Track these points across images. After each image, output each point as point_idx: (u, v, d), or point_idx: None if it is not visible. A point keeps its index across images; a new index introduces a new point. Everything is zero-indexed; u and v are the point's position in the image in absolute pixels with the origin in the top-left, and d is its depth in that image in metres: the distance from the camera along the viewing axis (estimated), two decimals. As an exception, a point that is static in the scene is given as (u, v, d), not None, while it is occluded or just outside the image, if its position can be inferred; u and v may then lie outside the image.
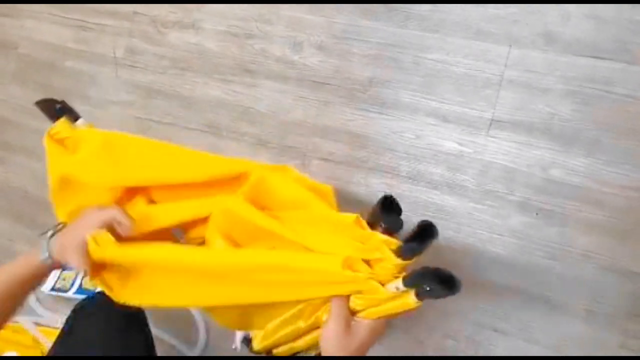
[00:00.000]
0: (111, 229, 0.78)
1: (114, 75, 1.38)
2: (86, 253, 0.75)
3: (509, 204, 1.05)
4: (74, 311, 0.96)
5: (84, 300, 1.03)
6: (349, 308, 0.69)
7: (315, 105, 1.19)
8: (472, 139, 1.08)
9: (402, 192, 1.12)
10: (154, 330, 1.01)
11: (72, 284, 1.35)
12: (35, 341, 1.34)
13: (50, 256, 0.77)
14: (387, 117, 1.14)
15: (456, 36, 1.10)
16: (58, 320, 1.35)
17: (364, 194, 1.15)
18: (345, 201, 1.15)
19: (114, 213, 0.78)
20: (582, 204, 1.00)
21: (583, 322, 0.99)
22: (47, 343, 1.32)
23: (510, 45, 1.06)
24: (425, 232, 0.62)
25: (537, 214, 1.03)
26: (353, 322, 0.70)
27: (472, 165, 1.07)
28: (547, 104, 1.03)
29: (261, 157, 1.23)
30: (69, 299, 1.33)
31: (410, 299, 0.63)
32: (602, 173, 1.00)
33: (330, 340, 0.68)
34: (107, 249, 0.75)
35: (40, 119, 1.39)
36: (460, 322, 1.07)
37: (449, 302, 1.08)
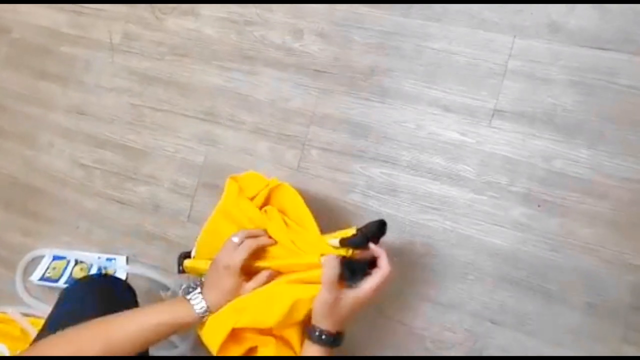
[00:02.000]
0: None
1: (110, 61, 1.36)
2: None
3: (511, 195, 1.03)
4: (62, 294, 0.94)
5: (71, 285, 1.02)
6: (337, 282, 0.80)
7: (315, 94, 1.18)
8: (474, 129, 1.07)
9: (402, 182, 1.10)
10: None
11: (62, 274, 1.33)
12: (24, 332, 1.31)
13: (208, 308, 0.81)
14: (388, 107, 1.12)
15: (459, 25, 1.08)
16: (47, 310, 1.32)
17: (364, 184, 1.13)
18: (344, 192, 1.14)
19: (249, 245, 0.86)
20: (585, 196, 0.99)
21: (584, 315, 0.98)
22: (35, 334, 1.29)
23: (514, 35, 1.05)
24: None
25: (538, 205, 1.02)
26: (341, 295, 0.80)
27: (474, 155, 1.06)
28: (550, 94, 1.02)
29: (259, 146, 1.21)
30: (58, 289, 1.30)
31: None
32: (605, 165, 0.99)
33: (320, 308, 0.80)
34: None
35: (33, 105, 1.37)
36: (458, 314, 1.06)
37: (447, 294, 1.06)
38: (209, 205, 1.25)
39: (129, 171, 1.33)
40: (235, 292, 0.83)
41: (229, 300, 0.83)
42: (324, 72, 1.17)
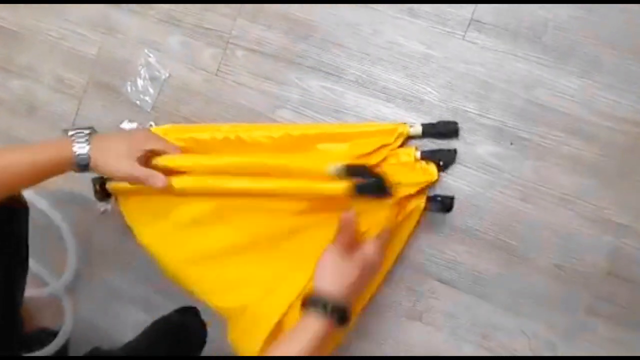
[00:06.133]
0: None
1: None
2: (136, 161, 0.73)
3: (480, 128, 0.83)
4: None
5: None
6: (354, 231, 0.70)
7: (247, -23, 0.91)
8: (444, 41, 0.84)
9: (347, 101, 0.88)
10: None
11: None
12: None
13: (89, 156, 0.71)
14: (339, 3, 0.88)
15: None
16: None
17: (298, 99, 0.89)
18: (271, 106, 0.90)
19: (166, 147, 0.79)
20: (568, 136, 0.81)
21: (549, 278, 0.81)
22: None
23: None
24: None
25: (511, 143, 0.82)
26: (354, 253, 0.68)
27: (440, 74, 0.85)
28: (541, 5, 0.81)
29: (169, 40, 0.94)
30: None
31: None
32: (597, 99, 0.80)
33: (327, 267, 0.66)
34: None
35: None
36: (400, 267, 0.86)
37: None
38: (100, 109, 0.98)
39: (-1, 59, 1.03)
40: (122, 164, 0.73)
41: (110, 165, 0.73)
42: (261, -51, 0.90)
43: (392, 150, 0.82)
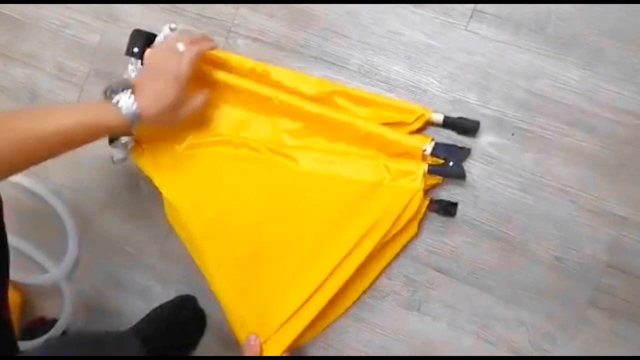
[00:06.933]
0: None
1: None
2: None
3: (481, 119, 0.83)
4: None
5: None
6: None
7: (250, -34, 0.91)
8: (446, 31, 0.84)
9: (349, 91, 0.88)
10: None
11: None
12: None
13: (139, 113, 0.71)
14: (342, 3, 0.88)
15: None
16: None
17: (300, 88, 0.89)
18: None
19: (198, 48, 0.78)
20: (569, 127, 0.80)
21: (549, 270, 0.81)
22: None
23: None
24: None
25: (512, 134, 0.82)
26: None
27: (441, 65, 0.84)
28: None
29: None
30: None
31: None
32: (599, 91, 0.79)
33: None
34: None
35: None
36: (399, 257, 0.86)
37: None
38: (101, 97, 0.97)
39: (1, 47, 1.03)
40: (176, 106, 0.74)
41: (164, 112, 0.73)
42: (264, -62, 0.90)
43: (409, 131, 0.81)
